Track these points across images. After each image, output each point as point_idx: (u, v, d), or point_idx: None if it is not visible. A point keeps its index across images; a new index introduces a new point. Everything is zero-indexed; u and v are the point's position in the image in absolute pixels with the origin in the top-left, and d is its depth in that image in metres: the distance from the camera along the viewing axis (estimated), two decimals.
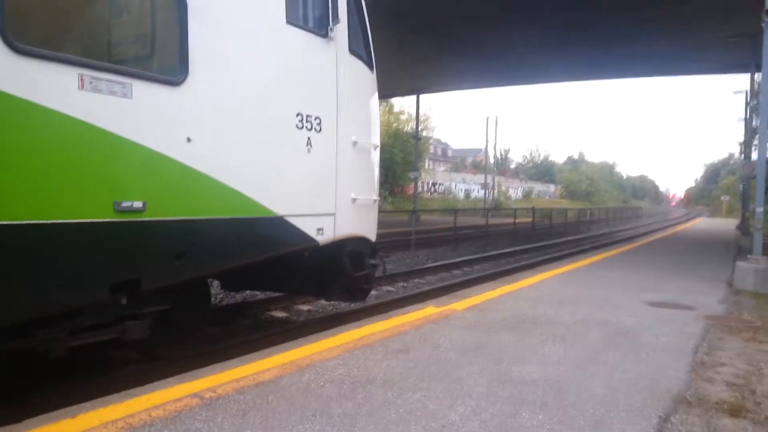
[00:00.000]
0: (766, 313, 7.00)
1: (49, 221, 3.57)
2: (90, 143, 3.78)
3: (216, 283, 7.92)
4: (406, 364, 4.23)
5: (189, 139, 4.37)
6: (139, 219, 4.06)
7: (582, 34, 19.65)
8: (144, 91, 4.08)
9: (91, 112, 3.74)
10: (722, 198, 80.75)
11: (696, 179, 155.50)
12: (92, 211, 3.80)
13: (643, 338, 5.34)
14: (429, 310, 6.32)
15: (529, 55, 22.85)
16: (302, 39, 5.55)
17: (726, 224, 38.71)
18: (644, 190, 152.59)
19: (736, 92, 30.38)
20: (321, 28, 5.77)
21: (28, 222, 3.47)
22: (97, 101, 3.78)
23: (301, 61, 5.56)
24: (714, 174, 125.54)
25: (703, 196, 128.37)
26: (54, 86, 3.56)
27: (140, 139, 4.04)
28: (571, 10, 17.40)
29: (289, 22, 5.33)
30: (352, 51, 6.24)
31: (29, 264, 3.57)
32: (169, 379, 3.81)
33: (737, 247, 16.61)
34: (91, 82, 3.74)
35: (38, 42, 3.64)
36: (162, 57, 4.59)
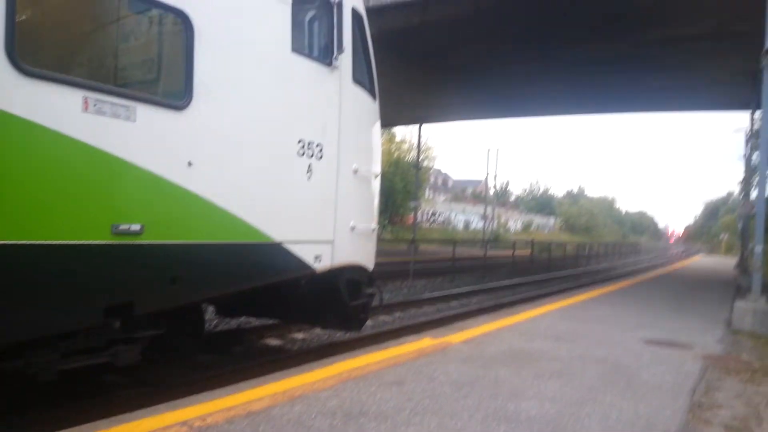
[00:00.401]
0: (765, 354, 6.94)
1: (48, 242, 3.56)
2: (92, 165, 3.80)
3: (210, 308, 7.86)
4: (400, 397, 4.17)
5: (190, 164, 4.38)
6: (136, 242, 4.05)
7: (584, 68, 19.88)
8: (148, 115, 4.11)
9: (94, 135, 3.76)
10: (721, 236, 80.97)
11: (695, 216, 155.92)
12: (90, 232, 3.80)
13: (640, 376, 5.28)
14: (425, 341, 6.26)
15: (530, 88, 23.11)
16: (306, 67, 5.61)
17: (725, 262, 38.66)
18: (643, 226, 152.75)
19: (736, 130, 30.78)
20: (325, 57, 5.84)
21: (26, 242, 3.46)
22: (100, 124, 3.80)
23: (305, 89, 5.62)
24: (713, 212, 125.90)
25: (702, 233, 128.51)
26: (58, 108, 3.59)
27: (142, 162, 4.06)
28: (573, 45, 17.64)
29: (294, 50, 5.40)
30: (356, 80, 6.30)
31: (26, 284, 3.55)
32: (158, 406, 3.75)
33: (736, 286, 16.55)
34: (95, 105, 3.77)
35: (44, 64, 3.68)
36: (167, 82, 4.64)
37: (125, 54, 4.57)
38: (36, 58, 3.64)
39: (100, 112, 3.80)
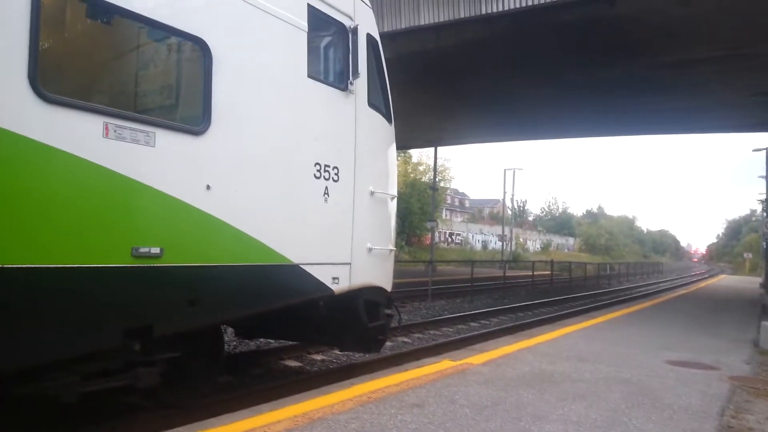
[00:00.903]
0: None
1: (70, 265, 3.61)
2: (112, 189, 3.86)
3: (230, 330, 7.88)
4: (420, 420, 4.12)
5: (208, 187, 4.43)
6: (156, 264, 4.09)
7: (597, 92, 19.85)
8: (167, 140, 4.18)
9: (114, 160, 3.83)
10: (745, 255, 79.48)
11: (718, 235, 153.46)
12: (111, 256, 3.84)
13: (665, 399, 5.16)
14: (445, 363, 6.19)
15: (545, 112, 23.10)
16: (323, 92, 5.68)
17: (749, 282, 37.86)
18: (665, 245, 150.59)
19: (755, 150, 30.30)
20: (341, 82, 5.92)
21: (49, 266, 3.51)
22: (120, 149, 3.87)
23: (321, 114, 5.68)
24: (736, 230, 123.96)
25: (725, 252, 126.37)
26: (79, 134, 3.66)
27: (161, 187, 4.11)
28: (586, 69, 17.64)
29: (310, 75, 5.48)
30: (371, 104, 6.36)
31: (48, 307, 3.59)
32: (179, 429, 3.74)
33: (762, 306, 16.18)
34: (115, 131, 3.84)
35: (66, 91, 3.77)
36: (186, 107, 4.72)
37: (145, 80, 4.67)
38: (58, 86, 3.73)
39: (120, 137, 3.87)
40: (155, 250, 4.07)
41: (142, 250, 3.99)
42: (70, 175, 3.64)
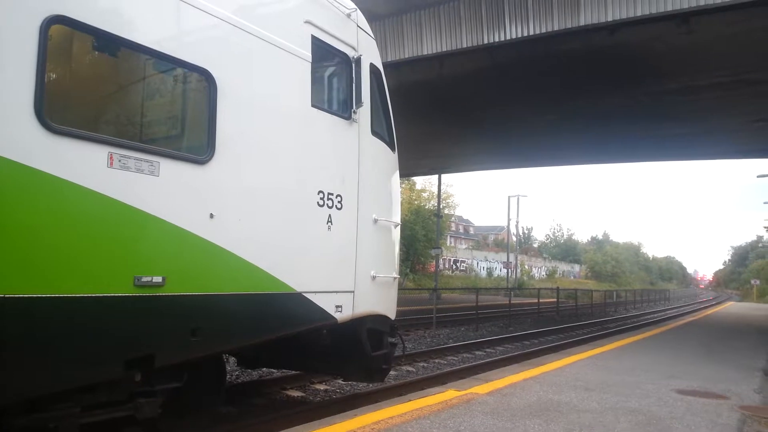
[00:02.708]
0: None
1: (72, 295, 3.60)
2: (116, 219, 3.87)
3: (232, 359, 7.82)
4: None
5: (212, 216, 4.45)
6: (158, 294, 4.08)
7: (602, 118, 19.96)
8: (171, 170, 4.20)
9: (118, 189, 3.85)
10: (752, 282, 78.85)
11: (724, 261, 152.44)
12: (113, 285, 3.83)
13: (674, 429, 5.06)
14: (449, 393, 6.11)
15: (549, 139, 23.21)
16: (326, 121, 5.73)
17: (757, 308, 37.47)
18: (671, 272, 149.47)
19: (760, 176, 30.33)
20: (344, 111, 5.97)
21: (51, 296, 3.51)
22: (125, 178, 3.89)
23: (324, 142, 5.72)
24: (742, 256, 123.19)
25: (732, 279, 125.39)
26: (84, 164, 3.69)
27: (165, 216, 4.13)
28: (591, 97, 17.77)
29: (314, 105, 5.53)
30: (374, 132, 6.41)
31: (50, 337, 3.57)
32: None
33: None
34: (120, 160, 3.87)
35: (71, 122, 3.80)
36: (190, 137, 4.76)
37: (150, 111, 4.72)
38: (63, 116, 3.76)
39: (125, 167, 3.90)
40: (157, 279, 4.06)
41: (145, 279, 3.98)
42: (74, 204, 3.65)
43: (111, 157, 3.82)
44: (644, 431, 4.93)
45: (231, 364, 8.19)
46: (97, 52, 4.30)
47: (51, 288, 3.50)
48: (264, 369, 8.94)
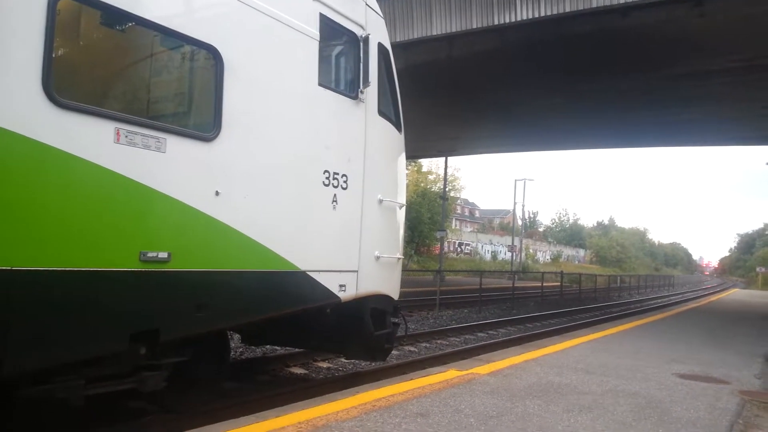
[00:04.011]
0: None
1: (78, 269, 3.64)
2: (122, 194, 3.89)
3: (236, 336, 7.90)
4: (424, 429, 4.10)
5: (217, 193, 4.47)
6: (164, 269, 4.12)
7: (612, 102, 19.79)
8: (177, 146, 4.22)
9: (125, 165, 3.87)
10: (758, 269, 78.68)
11: (730, 248, 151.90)
12: (119, 260, 3.87)
13: (674, 412, 5.11)
14: (451, 373, 6.17)
15: (557, 123, 23.05)
16: (333, 100, 5.71)
17: (762, 296, 37.41)
18: (676, 258, 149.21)
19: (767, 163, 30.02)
20: (351, 90, 5.95)
21: (58, 269, 3.55)
22: (131, 154, 3.91)
23: (331, 122, 5.71)
24: (749, 244, 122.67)
25: (737, 266, 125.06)
26: (91, 139, 3.71)
27: (170, 192, 4.15)
28: (600, 79, 17.59)
29: (321, 84, 5.51)
30: (381, 112, 6.38)
31: (57, 310, 3.62)
32: None
33: None
34: (127, 136, 3.88)
35: (79, 96, 3.82)
36: (197, 114, 4.77)
37: (157, 87, 4.72)
38: (71, 91, 3.77)
39: (131, 143, 3.91)
40: (163, 254, 4.10)
41: (150, 254, 4.02)
42: (81, 179, 3.68)
43: (118, 133, 3.83)
44: (644, 414, 4.97)
45: (235, 341, 8.28)
46: (105, 28, 4.29)
47: (58, 261, 3.54)
48: (267, 346, 9.03)
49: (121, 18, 4.08)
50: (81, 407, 4.19)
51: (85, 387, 4.09)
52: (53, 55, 3.56)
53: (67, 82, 3.88)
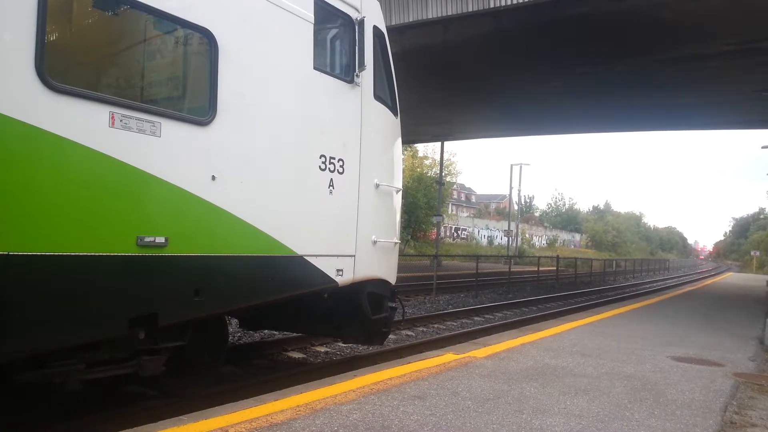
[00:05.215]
0: None
1: (75, 253, 3.63)
2: (118, 179, 3.88)
3: (234, 321, 7.92)
4: (422, 412, 4.13)
5: (213, 178, 4.45)
6: (161, 254, 4.11)
7: (607, 86, 19.72)
8: (173, 131, 4.19)
9: (120, 149, 3.85)
10: (752, 253, 79.17)
11: (725, 232, 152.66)
12: (116, 244, 3.87)
13: (668, 394, 5.16)
14: (448, 356, 6.20)
15: (555, 107, 22.97)
16: (328, 84, 5.68)
17: (756, 279, 37.68)
18: (672, 242, 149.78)
19: (764, 146, 30.07)
20: (347, 74, 5.91)
21: (55, 254, 3.54)
22: (126, 139, 3.89)
23: (327, 106, 5.67)
24: (743, 228, 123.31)
25: (732, 250, 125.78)
26: (85, 123, 3.68)
27: (166, 176, 4.13)
28: (599, 62, 17.51)
29: (316, 68, 5.48)
30: (377, 96, 6.35)
31: (55, 295, 3.62)
32: (181, 417, 3.77)
33: None
34: (121, 120, 3.85)
35: (73, 80, 3.78)
36: (192, 98, 4.73)
37: (151, 71, 4.68)
38: (64, 75, 3.74)
39: (126, 127, 3.89)
40: (160, 239, 4.09)
41: (147, 239, 4.01)
42: (76, 164, 3.66)
43: (112, 117, 3.81)
44: (639, 396, 5.02)
45: (233, 326, 8.30)
46: (99, 11, 4.25)
47: (54, 246, 3.53)
48: (265, 331, 9.06)
49: (115, 1, 4.03)
50: (79, 392, 4.21)
51: (84, 371, 4.11)
52: (46, 39, 3.52)
53: (61, 66, 3.85)
